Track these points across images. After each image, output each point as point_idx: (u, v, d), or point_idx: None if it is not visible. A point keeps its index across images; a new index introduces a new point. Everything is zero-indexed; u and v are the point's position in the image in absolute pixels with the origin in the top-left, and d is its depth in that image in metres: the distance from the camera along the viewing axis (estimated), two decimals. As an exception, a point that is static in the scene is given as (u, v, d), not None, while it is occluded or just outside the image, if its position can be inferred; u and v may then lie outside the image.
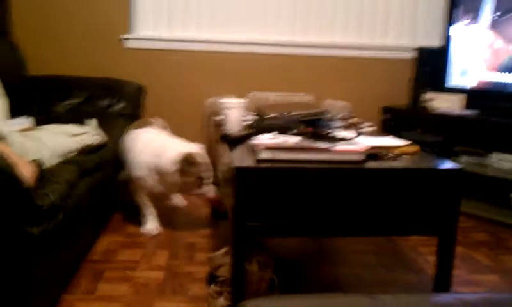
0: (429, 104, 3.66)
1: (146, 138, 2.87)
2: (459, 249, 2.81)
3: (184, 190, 2.86)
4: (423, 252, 2.75)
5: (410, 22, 4.05)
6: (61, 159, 2.28)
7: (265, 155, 1.88)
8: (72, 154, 2.38)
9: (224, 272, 2.00)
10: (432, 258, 1.95)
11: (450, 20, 3.69)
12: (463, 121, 3.42)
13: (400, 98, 4.00)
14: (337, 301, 1.06)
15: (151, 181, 2.81)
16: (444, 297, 1.18)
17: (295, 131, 2.20)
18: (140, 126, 3.04)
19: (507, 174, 3.22)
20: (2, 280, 1.56)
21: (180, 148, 2.70)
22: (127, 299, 2.17)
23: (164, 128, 3.19)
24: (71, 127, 2.57)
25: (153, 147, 2.78)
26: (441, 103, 3.63)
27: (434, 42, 3.99)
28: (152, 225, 2.91)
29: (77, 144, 2.44)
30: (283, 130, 2.24)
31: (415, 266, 2.60)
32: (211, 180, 2.73)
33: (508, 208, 3.27)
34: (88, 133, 2.59)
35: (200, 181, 2.70)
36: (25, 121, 2.67)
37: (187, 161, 2.65)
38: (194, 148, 2.73)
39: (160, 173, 2.74)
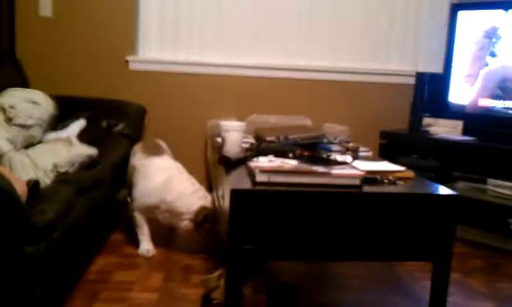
0: (427, 129, 3.68)
1: (163, 169, 2.93)
2: (455, 275, 2.80)
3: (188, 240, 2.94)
4: (420, 278, 2.74)
5: (412, 47, 4.08)
6: (54, 173, 2.33)
7: (261, 177, 1.89)
8: (66, 168, 2.41)
9: (218, 295, 2.00)
10: (429, 284, 1.94)
11: (450, 45, 3.72)
12: (461, 147, 3.43)
13: (401, 122, 4.01)
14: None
15: (157, 213, 2.88)
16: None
17: (292, 154, 2.22)
18: (152, 151, 3.08)
19: (505, 200, 3.21)
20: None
21: (196, 200, 2.82)
22: (121, 320, 2.16)
23: (167, 151, 3.23)
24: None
25: (172, 186, 2.85)
26: (440, 129, 3.65)
27: (436, 68, 4.02)
28: (146, 246, 2.91)
29: (71, 154, 2.49)
30: (281, 153, 2.25)
31: (412, 291, 2.59)
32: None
33: (505, 235, 3.27)
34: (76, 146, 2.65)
35: (205, 237, 2.86)
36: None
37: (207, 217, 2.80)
38: (209, 202, 2.85)
39: (172, 212, 2.85)
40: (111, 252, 2.89)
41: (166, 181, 2.85)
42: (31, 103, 2.75)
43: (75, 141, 2.70)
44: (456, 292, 2.60)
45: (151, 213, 2.91)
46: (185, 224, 2.82)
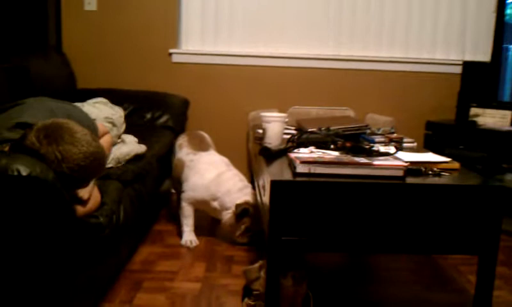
0: (474, 120, 3.58)
1: (213, 166, 2.99)
2: (502, 270, 2.72)
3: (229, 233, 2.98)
4: (464, 272, 2.67)
5: (459, 36, 3.98)
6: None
7: (302, 169, 1.88)
8: (111, 165, 2.47)
9: (259, 286, 2.00)
10: (473, 278, 1.89)
11: (500, 34, 3.61)
12: (509, 138, 3.32)
13: (448, 113, 3.92)
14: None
15: (206, 206, 2.96)
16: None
17: (333, 145, 2.19)
18: (198, 145, 3.14)
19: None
20: (45, 286, 1.60)
21: (241, 195, 2.87)
22: (164, 310, 2.20)
23: (211, 144, 3.26)
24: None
25: (221, 182, 2.91)
26: (488, 119, 3.55)
27: (484, 56, 3.91)
28: (189, 237, 2.94)
29: (119, 153, 2.55)
30: (322, 144, 2.23)
31: (456, 286, 2.53)
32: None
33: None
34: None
35: (245, 233, 2.89)
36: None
37: (247, 211, 2.84)
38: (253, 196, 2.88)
39: (219, 207, 2.92)
40: (154, 243, 2.94)
41: (216, 177, 2.92)
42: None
43: (127, 136, 2.74)
44: (502, 286, 2.52)
45: (200, 205, 2.98)
46: (228, 217, 2.86)
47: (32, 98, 2.10)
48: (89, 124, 2.14)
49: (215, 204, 2.91)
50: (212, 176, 2.92)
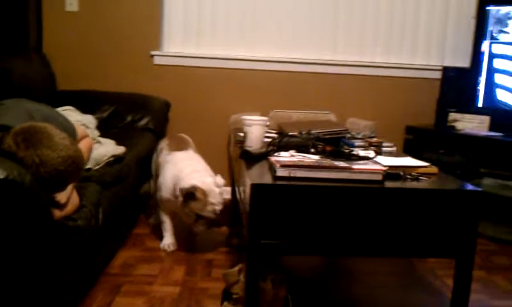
0: (453, 125, 3.62)
1: (177, 161, 2.89)
2: (480, 273, 2.75)
3: (197, 230, 2.85)
4: (441, 275, 2.70)
5: (439, 42, 4.02)
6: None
7: (282, 172, 1.88)
8: (90, 166, 2.45)
9: (238, 290, 2.00)
10: (451, 282, 1.91)
11: (479, 40, 3.66)
12: (487, 143, 3.37)
13: (427, 118, 3.96)
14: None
15: (171, 205, 2.86)
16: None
17: (314, 149, 2.20)
18: (178, 146, 3.09)
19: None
20: (21, 290, 1.58)
21: (189, 180, 2.71)
22: (142, 313, 2.18)
23: (190, 146, 3.22)
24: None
25: (175, 171, 2.82)
26: (466, 124, 3.59)
27: (463, 62, 3.95)
28: (167, 240, 2.92)
29: (96, 152, 2.53)
30: (302, 148, 2.24)
31: (433, 289, 2.55)
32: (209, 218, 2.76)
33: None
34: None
35: (196, 218, 2.74)
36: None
37: (193, 195, 2.69)
38: (207, 182, 2.73)
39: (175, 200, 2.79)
40: (134, 246, 2.92)
41: (176, 173, 2.82)
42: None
43: (104, 140, 2.71)
44: (480, 290, 2.55)
45: (171, 207, 2.90)
46: (178, 202, 2.75)
47: (10, 100, 2.08)
48: (67, 127, 2.13)
49: (178, 203, 2.79)
50: (173, 173, 2.84)
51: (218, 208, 2.73)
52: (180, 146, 3.09)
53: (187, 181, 2.70)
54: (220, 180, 2.78)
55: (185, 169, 2.81)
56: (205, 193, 2.68)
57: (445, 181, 2.03)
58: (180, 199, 2.71)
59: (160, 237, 2.96)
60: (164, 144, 3.19)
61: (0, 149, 1.62)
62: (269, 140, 2.38)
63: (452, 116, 3.67)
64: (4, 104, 1.99)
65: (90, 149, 2.43)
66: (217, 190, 2.74)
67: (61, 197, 1.83)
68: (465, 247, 1.87)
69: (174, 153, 2.99)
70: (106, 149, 2.62)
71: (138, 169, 2.95)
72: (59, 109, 2.71)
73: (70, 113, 2.69)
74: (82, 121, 2.65)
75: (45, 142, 1.65)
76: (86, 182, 2.30)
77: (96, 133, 2.77)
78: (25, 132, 1.66)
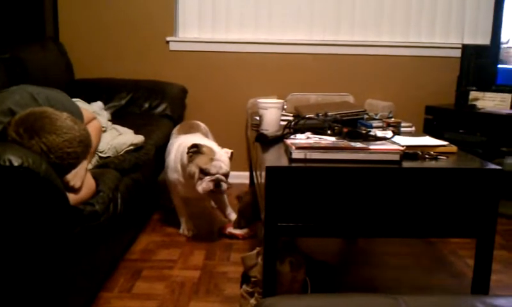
0: (474, 104, 3.56)
1: (181, 143, 2.87)
2: (501, 253, 2.71)
3: (202, 190, 2.70)
4: (463, 256, 2.67)
5: (458, 19, 3.94)
6: (96, 158, 2.41)
7: (297, 154, 1.87)
8: (109, 154, 2.46)
9: (256, 273, 2.00)
10: (473, 262, 1.88)
11: (499, 16, 3.58)
12: (509, 121, 3.30)
13: (447, 97, 3.90)
14: (355, 301, 1.04)
15: (180, 186, 2.85)
16: (470, 299, 1.14)
17: (330, 131, 2.18)
18: (186, 130, 3.08)
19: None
20: (43, 276, 1.60)
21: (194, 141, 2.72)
22: (162, 298, 2.19)
23: (206, 132, 3.22)
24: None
25: (180, 149, 2.81)
26: (487, 103, 3.53)
27: (483, 39, 3.88)
28: (186, 225, 2.93)
29: (116, 142, 2.54)
30: (319, 130, 2.22)
31: (455, 270, 2.53)
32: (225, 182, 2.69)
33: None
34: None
35: (212, 181, 2.65)
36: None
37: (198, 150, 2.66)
38: (211, 144, 2.74)
39: (184, 174, 2.76)
40: (153, 231, 2.94)
41: (176, 152, 2.83)
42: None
43: (122, 129, 2.72)
44: (502, 270, 2.52)
45: (178, 190, 2.88)
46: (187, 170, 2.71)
47: (13, 86, 2.08)
48: (72, 108, 2.10)
49: (183, 182, 2.78)
50: (176, 151, 2.84)
51: (225, 167, 2.67)
52: (188, 130, 3.08)
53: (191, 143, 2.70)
54: (227, 150, 2.78)
55: (187, 141, 2.79)
56: (210, 149, 2.68)
57: (464, 160, 2.00)
58: (185, 158, 2.68)
59: (177, 222, 2.97)
60: (175, 129, 3.19)
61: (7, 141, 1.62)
62: (285, 123, 2.36)
63: (473, 94, 3.61)
64: (7, 90, 1.99)
65: (99, 132, 2.38)
66: (222, 151, 2.73)
67: (75, 181, 1.84)
68: (485, 227, 1.84)
69: (179, 136, 2.99)
70: (125, 138, 2.63)
71: (156, 156, 2.96)
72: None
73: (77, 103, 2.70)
74: (91, 108, 2.65)
75: (47, 128, 1.64)
76: (104, 169, 2.32)
77: (106, 117, 2.77)
78: (25, 121, 1.65)
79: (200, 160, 2.65)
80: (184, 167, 2.74)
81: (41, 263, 1.59)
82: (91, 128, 2.18)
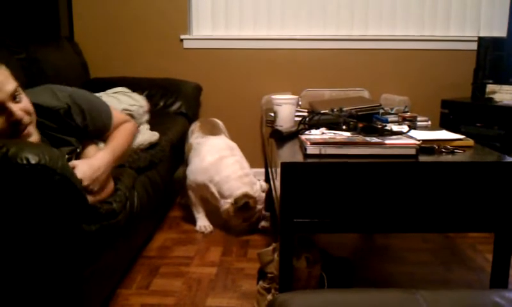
0: (491, 97, 3.52)
1: (215, 149, 2.93)
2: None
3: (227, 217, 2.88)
4: (482, 250, 2.65)
5: (473, 11, 3.90)
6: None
7: (312, 150, 1.86)
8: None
9: (273, 269, 2.00)
10: (491, 257, 1.87)
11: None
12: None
13: (463, 90, 3.86)
14: (371, 296, 1.03)
15: (206, 192, 2.91)
16: (489, 294, 1.13)
17: (345, 126, 2.17)
18: (210, 130, 3.11)
19: None
20: (61, 273, 1.62)
21: (241, 186, 2.79)
22: (180, 294, 2.21)
23: (224, 130, 3.25)
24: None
25: (221, 167, 2.85)
26: (504, 96, 3.49)
27: (500, 31, 3.83)
28: (202, 223, 2.95)
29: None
30: (334, 125, 2.21)
31: (473, 264, 2.51)
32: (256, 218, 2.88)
33: None
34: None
35: (244, 223, 2.87)
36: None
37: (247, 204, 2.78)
38: (256, 189, 2.83)
39: (217, 193, 2.85)
40: (170, 229, 2.95)
41: (216, 161, 2.87)
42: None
43: (141, 127, 2.73)
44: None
45: (201, 191, 2.94)
46: (227, 207, 2.79)
47: (41, 86, 2.09)
48: (100, 106, 2.11)
49: (213, 189, 2.84)
50: (212, 160, 2.87)
51: (262, 212, 2.88)
52: (212, 130, 3.11)
53: (239, 187, 2.78)
54: (263, 183, 2.89)
55: (232, 166, 2.85)
56: (256, 202, 2.79)
57: (482, 154, 1.98)
58: (230, 205, 2.78)
59: (194, 219, 2.98)
60: (195, 126, 3.20)
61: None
62: (299, 119, 2.35)
63: (490, 87, 3.57)
64: (30, 89, 2.00)
65: (130, 135, 2.29)
66: (263, 195, 2.85)
67: (94, 186, 1.84)
68: (504, 221, 1.83)
69: (208, 138, 3.01)
70: (143, 137, 2.64)
71: (172, 153, 2.98)
72: (111, 91, 2.73)
73: (119, 96, 2.69)
74: (130, 108, 2.62)
75: None
76: (120, 168, 2.33)
77: (146, 117, 2.79)
78: None
79: (247, 214, 2.82)
80: (220, 192, 2.84)
81: (60, 260, 1.61)
82: (121, 131, 2.17)
